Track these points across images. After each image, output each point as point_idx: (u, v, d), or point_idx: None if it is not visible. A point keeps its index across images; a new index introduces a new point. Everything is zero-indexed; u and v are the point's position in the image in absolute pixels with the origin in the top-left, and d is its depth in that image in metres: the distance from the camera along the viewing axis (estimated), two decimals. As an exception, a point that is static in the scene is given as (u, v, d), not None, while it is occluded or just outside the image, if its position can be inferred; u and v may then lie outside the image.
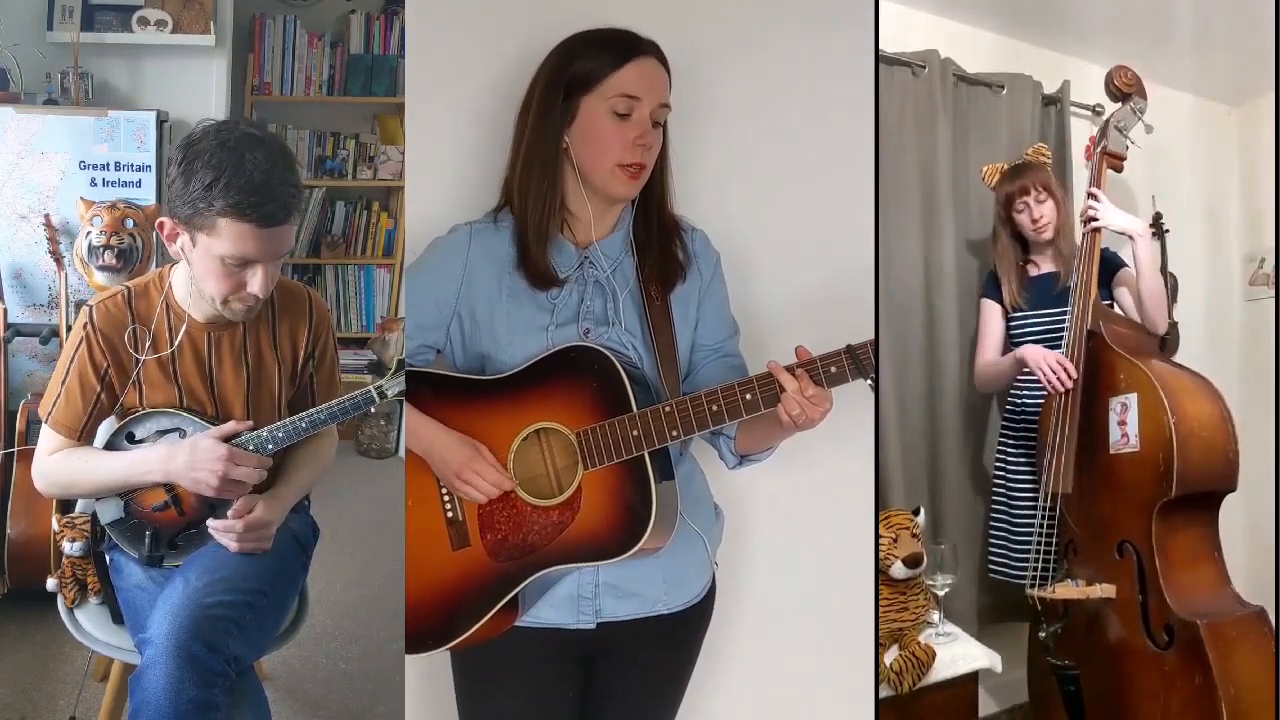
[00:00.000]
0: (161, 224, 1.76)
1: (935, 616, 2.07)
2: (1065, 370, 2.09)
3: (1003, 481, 2.39)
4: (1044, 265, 2.35)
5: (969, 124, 2.54)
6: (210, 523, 1.84)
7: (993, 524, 2.40)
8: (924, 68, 2.45)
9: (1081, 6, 2.53)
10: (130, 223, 3.15)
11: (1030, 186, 2.28)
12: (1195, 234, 2.71)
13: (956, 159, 2.50)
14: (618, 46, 1.50)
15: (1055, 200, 2.29)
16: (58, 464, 1.90)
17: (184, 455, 1.80)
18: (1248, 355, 2.67)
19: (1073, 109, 2.68)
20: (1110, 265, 2.31)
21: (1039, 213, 2.28)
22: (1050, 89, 2.67)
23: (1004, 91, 2.59)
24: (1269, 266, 2.70)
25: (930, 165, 2.46)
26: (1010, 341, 2.36)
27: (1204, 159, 2.74)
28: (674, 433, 1.43)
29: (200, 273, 1.76)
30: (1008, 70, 2.60)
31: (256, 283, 1.74)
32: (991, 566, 2.39)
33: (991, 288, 2.41)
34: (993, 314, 2.39)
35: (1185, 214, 2.65)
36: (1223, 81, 2.68)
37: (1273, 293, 2.63)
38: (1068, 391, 2.10)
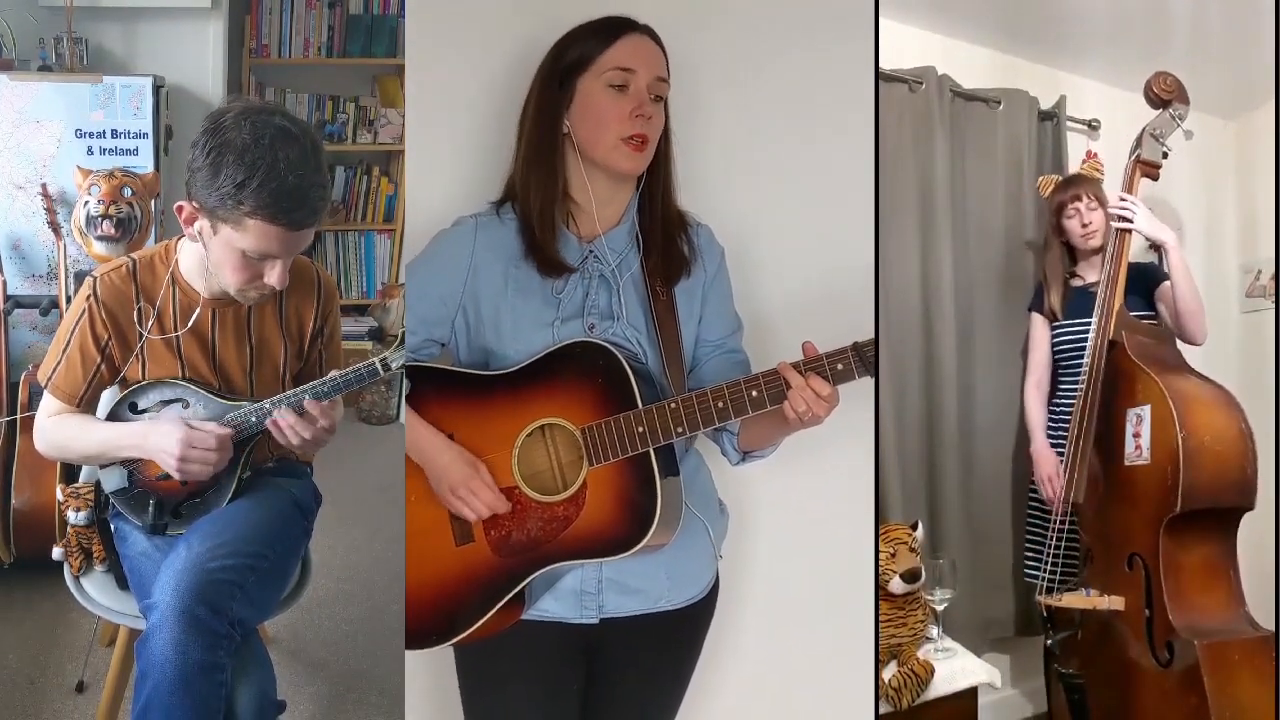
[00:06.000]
0: (180, 207, 1.74)
1: (934, 631, 2.05)
2: (1050, 484, 2.30)
3: (1037, 488, 2.42)
4: (1089, 276, 2.38)
5: (966, 139, 2.54)
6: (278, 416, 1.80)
7: (1029, 527, 2.45)
8: (921, 84, 2.44)
9: (1077, 23, 2.52)
10: (128, 191, 3.13)
11: (1083, 194, 2.35)
12: (1192, 246, 2.72)
13: (954, 174, 2.51)
14: (608, 26, 1.50)
15: (1105, 212, 2.32)
16: (55, 427, 1.92)
17: (155, 434, 1.82)
18: (1245, 367, 2.67)
19: (1069, 124, 2.68)
20: (1154, 277, 2.32)
21: (1089, 218, 2.33)
22: (1046, 104, 2.67)
23: (1000, 107, 2.59)
24: (1265, 278, 2.70)
25: (928, 180, 2.46)
26: (1052, 348, 2.41)
27: (1200, 172, 2.74)
28: (679, 429, 1.42)
29: (217, 260, 1.76)
30: (1004, 86, 2.60)
31: (274, 276, 1.74)
32: (1027, 570, 2.44)
33: (1038, 300, 2.45)
34: (1039, 327, 2.44)
35: (1182, 226, 2.66)
36: (1218, 95, 2.67)
37: (1271, 304, 2.63)
38: (1086, 402, 2.13)
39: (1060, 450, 2.31)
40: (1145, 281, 2.31)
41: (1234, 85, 2.63)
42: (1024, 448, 2.55)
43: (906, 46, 2.45)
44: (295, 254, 1.75)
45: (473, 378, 1.52)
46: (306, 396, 1.79)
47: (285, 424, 1.78)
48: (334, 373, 1.81)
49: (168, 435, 1.80)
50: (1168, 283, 2.29)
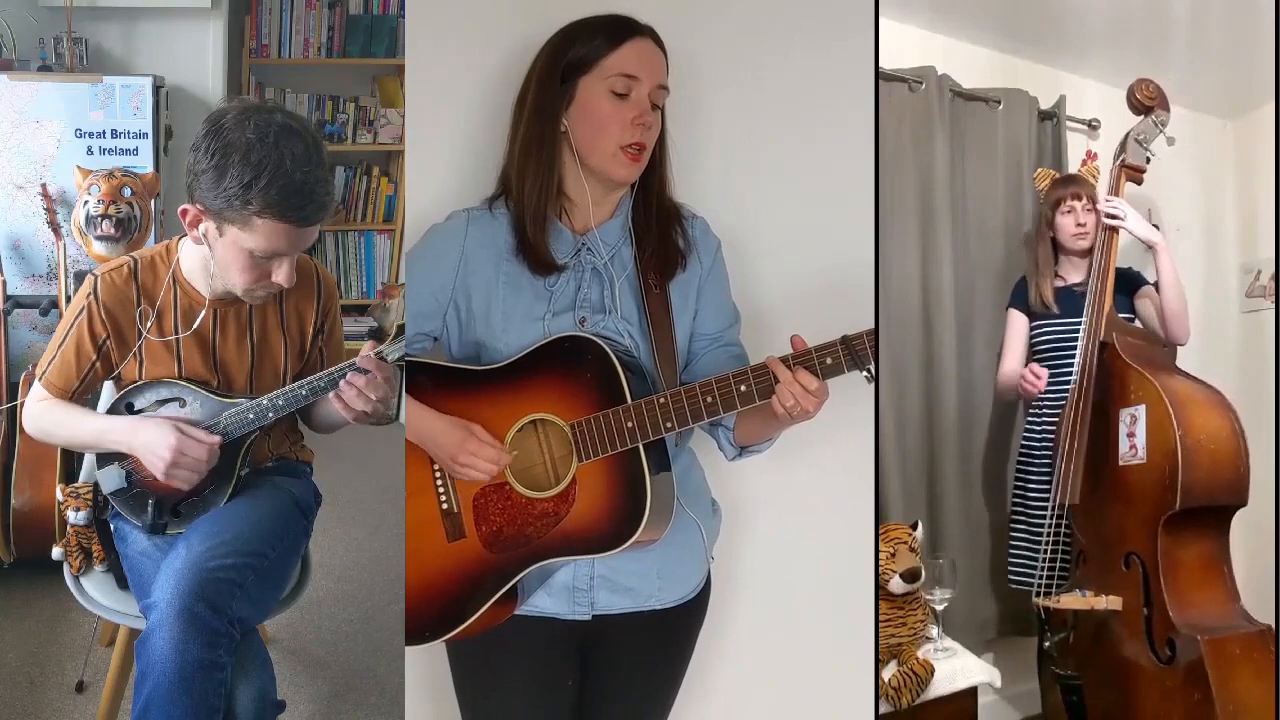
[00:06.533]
0: (184, 211, 1.74)
1: (934, 631, 2.05)
2: (1034, 374, 2.22)
3: (1021, 490, 2.42)
4: (1071, 277, 2.39)
5: (966, 139, 2.55)
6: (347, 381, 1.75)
7: (1012, 533, 2.44)
8: (921, 84, 2.45)
9: (1078, 22, 2.53)
10: (128, 191, 3.13)
11: (1081, 193, 2.36)
12: (1191, 246, 2.74)
13: (954, 174, 2.51)
14: (615, 28, 1.48)
15: (1097, 215, 2.34)
16: (43, 412, 1.93)
17: (145, 434, 1.82)
18: (1244, 367, 2.68)
19: (1069, 124, 2.69)
20: (1133, 282, 2.34)
21: (1084, 218, 2.34)
22: (1046, 104, 2.67)
23: (1000, 106, 2.59)
24: (1265, 278, 2.71)
25: (928, 180, 2.46)
26: (1030, 346, 2.41)
27: (1199, 172, 2.75)
28: (668, 424, 1.41)
29: (224, 261, 1.76)
30: (1004, 86, 2.61)
31: (283, 274, 1.75)
32: (1011, 576, 2.43)
33: (1018, 298, 2.45)
34: (1017, 323, 2.44)
35: (1181, 226, 2.67)
36: (1218, 95, 2.68)
37: (1271, 304, 2.64)
38: (1079, 402, 2.13)
39: (1046, 452, 2.31)
40: (1125, 285, 2.33)
41: (1234, 85, 2.63)
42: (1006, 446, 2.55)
43: (906, 46, 2.45)
44: (301, 250, 1.76)
45: (464, 372, 1.52)
46: (360, 358, 1.75)
47: (353, 391, 1.72)
48: (331, 368, 1.81)
49: (159, 439, 1.81)
50: (1148, 286, 2.31)
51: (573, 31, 1.51)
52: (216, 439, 1.84)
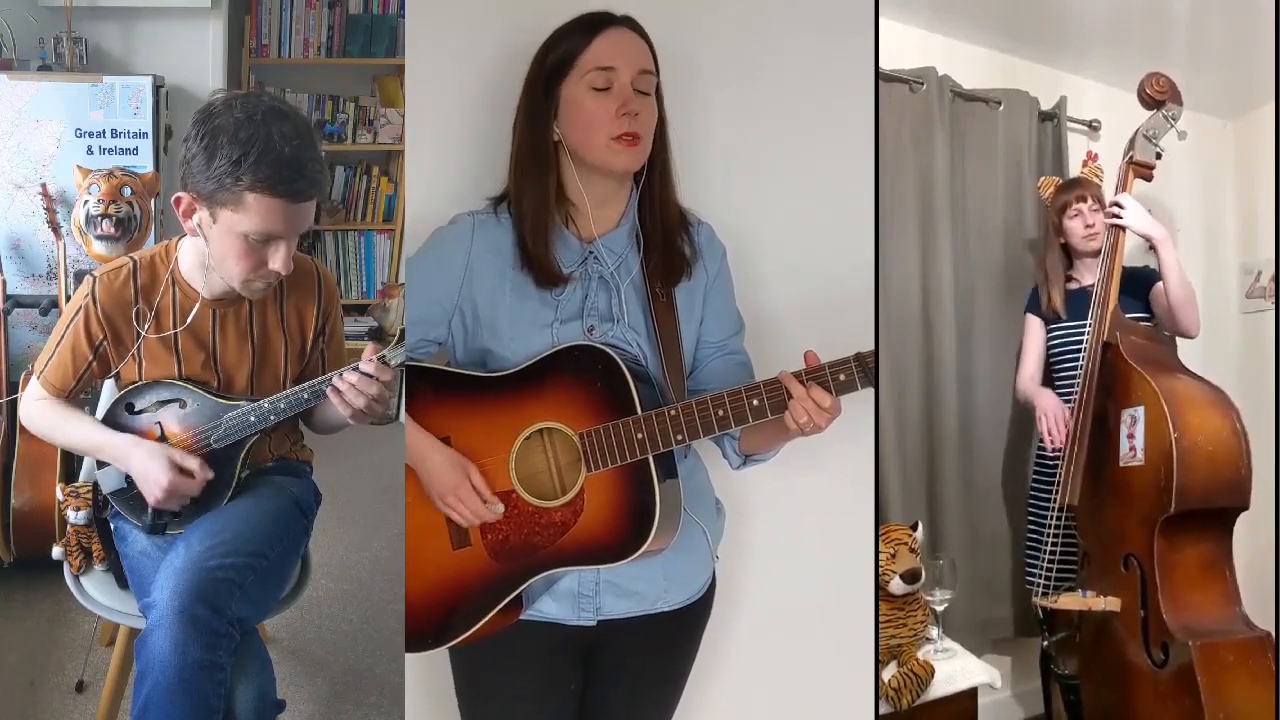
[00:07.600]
0: (178, 200, 1.74)
1: (934, 632, 2.05)
2: (1058, 429, 2.22)
3: (1036, 492, 2.42)
4: (1086, 279, 2.38)
5: (966, 139, 2.55)
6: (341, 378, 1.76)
7: (1029, 535, 2.44)
8: (921, 84, 2.45)
9: (1077, 22, 2.52)
10: (128, 190, 3.13)
11: (1087, 195, 2.35)
12: (1192, 246, 2.73)
13: (954, 174, 2.51)
14: (585, 24, 1.47)
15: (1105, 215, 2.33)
16: (42, 411, 1.94)
17: (140, 459, 1.84)
18: (1245, 367, 2.67)
19: (1069, 124, 2.69)
20: (1148, 279, 2.33)
21: (1091, 219, 2.33)
22: (1047, 104, 2.67)
23: (1001, 107, 2.59)
24: (1265, 279, 2.71)
25: (928, 180, 2.46)
26: (1048, 350, 2.41)
27: (1200, 172, 2.74)
28: (679, 437, 1.41)
29: (220, 250, 1.75)
30: (1004, 86, 2.61)
31: (279, 260, 1.73)
32: (1028, 577, 2.41)
33: (1034, 303, 2.45)
34: (1034, 328, 2.44)
35: (1181, 227, 2.67)
36: (1218, 95, 2.68)
37: (1271, 305, 2.63)
38: (1083, 404, 2.12)
39: (1058, 454, 2.31)
40: (1140, 284, 2.32)
41: (1234, 85, 2.63)
42: (1022, 449, 2.54)
43: (907, 47, 2.45)
44: (298, 234, 1.74)
45: (471, 379, 1.51)
46: (348, 371, 1.75)
47: (345, 385, 1.73)
48: (332, 372, 1.81)
49: (152, 473, 1.82)
50: (1161, 283, 2.29)
51: (550, 40, 1.50)
52: (208, 476, 1.84)
